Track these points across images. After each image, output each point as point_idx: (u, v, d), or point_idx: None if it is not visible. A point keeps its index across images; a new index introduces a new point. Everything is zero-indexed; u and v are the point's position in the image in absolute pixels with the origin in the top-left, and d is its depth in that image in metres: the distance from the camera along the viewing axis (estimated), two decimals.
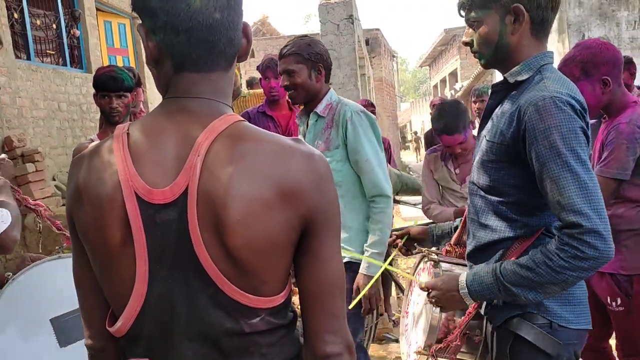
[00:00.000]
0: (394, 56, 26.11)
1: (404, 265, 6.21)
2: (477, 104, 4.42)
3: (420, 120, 32.10)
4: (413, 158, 27.39)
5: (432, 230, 2.02)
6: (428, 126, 8.89)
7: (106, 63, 7.74)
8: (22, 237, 2.19)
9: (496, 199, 1.47)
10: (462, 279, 1.48)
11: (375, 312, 3.47)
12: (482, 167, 1.50)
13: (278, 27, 24.98)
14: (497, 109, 1.52)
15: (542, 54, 1.47)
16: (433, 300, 1.55)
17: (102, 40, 8.49)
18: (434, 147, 3.34)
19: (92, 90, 2.67)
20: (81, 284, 0.97)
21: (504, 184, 1.45)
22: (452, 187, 3.10)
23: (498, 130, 1.45)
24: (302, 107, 2.50)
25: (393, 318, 4.34)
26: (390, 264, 3.63)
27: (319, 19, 4.84)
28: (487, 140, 1.49)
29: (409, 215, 9.37)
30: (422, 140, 22.54)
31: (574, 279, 1.34)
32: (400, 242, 2.06)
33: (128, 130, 0.90)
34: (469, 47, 1.55)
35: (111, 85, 2.52)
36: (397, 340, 3.91)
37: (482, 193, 1.51)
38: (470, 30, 1.51)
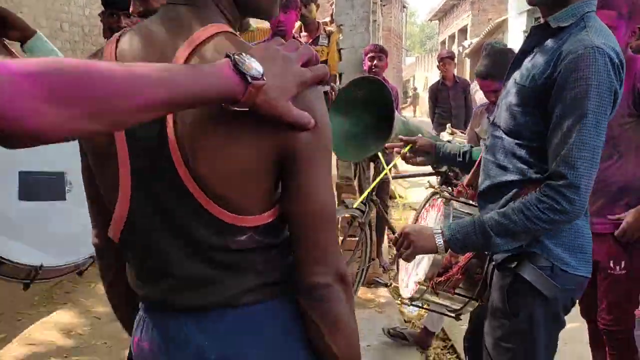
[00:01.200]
0: (404, 7, 25.48)
1: (397, 216, 6.27)
2: None
3: (424, 76, 31.69)
4: (411, 113, 27.34)
5: (440, 148, 2.01)
6: (432, 82, 8.79)
7: None
8: None
9: (516, 141, 1.47)
10: (439, 233, 1.50)
11: (367, 256, 3.54)
12: (508, 110, 1.49)
13: None
14: (532, 53, 1.49)
15: (588, 0, 1.42)
16: (405, 241, 1.54)
17: None
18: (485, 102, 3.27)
19: (95, 12, 2.58)
20: (87, 187, 0.98)
21: (528, 128, 1.44)
22: None
23: (530, 74, 1.43)
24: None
25: (384, 264, 4.42)
26: (383, 216, 3.69)
27: None
28: (516, 83, 1.47)
29: (410, 167, 9.41)
30: (420, 96, 22.37)
31: (544, 230, 1.40)
32: (404, 150, 2.05)
33: (120, 37, 0.88)
34: None
35: (121, 2, 2.44)
36: (386, 285, 4.00)
37: (503, 135, 1.50)
38: None
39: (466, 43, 21.54)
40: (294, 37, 3.67)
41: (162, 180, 0.82)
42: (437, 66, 6.45)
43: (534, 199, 1.38)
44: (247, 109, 0.76)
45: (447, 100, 6.28)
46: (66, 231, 2.07)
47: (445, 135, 4.36)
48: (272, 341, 0.88)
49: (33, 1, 6.16)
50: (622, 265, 2.11)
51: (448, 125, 4.63)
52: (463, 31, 25.61)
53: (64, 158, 1.99)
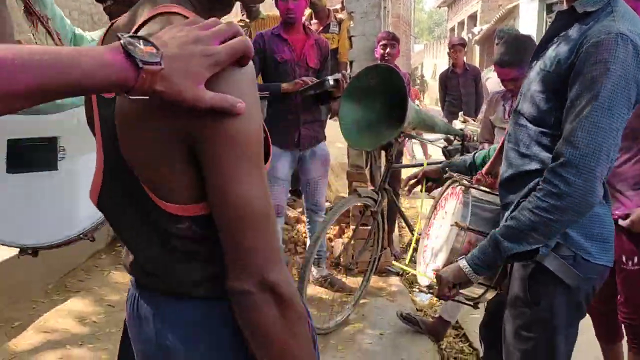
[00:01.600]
0: None
1: (407, 204, 6.25)
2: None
3: (432, 63, 31.43)
4: (417, 101, 27.23)
5: (446, 172, 2.05)
6: (440, 70, 8.71)
7: None
8: None
9: (540, 129, 1.45)
10: (462, 259, 1.53)
11: (379, 245, 3.53)
12: (532, 97, 1.47)
13: None
14: (556, 39, 1.46)
15: None
16: (447, 286, 1.57)
17: None
18: (501, 89, 3.23)
19: None
20: None
21: (551, 114, 1.42)
22: (504, 126, 3.04)
23: (555, 60, 1.40)
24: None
25: (395, 253, 4.41)
26: (395, 204, 3.68)
27: None
28: (541, 69, 1.45)
29: (421, 156, 9.41)
30: (428, 83, 22.21)
31: (551, 223, 1.33)
32: (421, 185, 2.19)
33: (114, 23, 0.91)
34: None
35: None
36: (397, 274, 3.99)
37: (526, 122, 1.49)
38: None
39: (476, 30, 21.31)
40: (304, 25, 3.63)
41: (119, 154, 0.82)
42: (448, 53, 6.39)
43: (536, 189, 1.35)
44: (148, 97, 0.69)
45: (457, 88, 6.23)
46: (58, 206, 1.94)
47: (457, 124, 4.33)
48: (217, 340, 0.85)
49: None
50: (635, 261, 2.05)
51: (460, 113, 4.59)
52: (472, 17, 25.35)
53: (56, 123, 1.90)
